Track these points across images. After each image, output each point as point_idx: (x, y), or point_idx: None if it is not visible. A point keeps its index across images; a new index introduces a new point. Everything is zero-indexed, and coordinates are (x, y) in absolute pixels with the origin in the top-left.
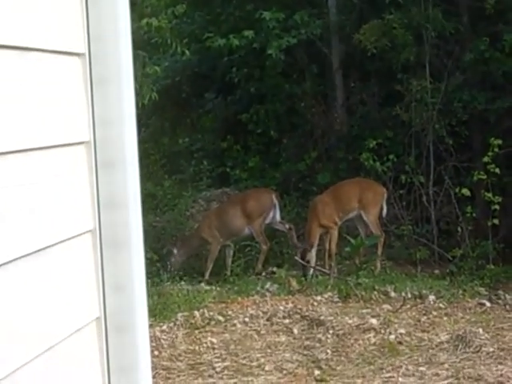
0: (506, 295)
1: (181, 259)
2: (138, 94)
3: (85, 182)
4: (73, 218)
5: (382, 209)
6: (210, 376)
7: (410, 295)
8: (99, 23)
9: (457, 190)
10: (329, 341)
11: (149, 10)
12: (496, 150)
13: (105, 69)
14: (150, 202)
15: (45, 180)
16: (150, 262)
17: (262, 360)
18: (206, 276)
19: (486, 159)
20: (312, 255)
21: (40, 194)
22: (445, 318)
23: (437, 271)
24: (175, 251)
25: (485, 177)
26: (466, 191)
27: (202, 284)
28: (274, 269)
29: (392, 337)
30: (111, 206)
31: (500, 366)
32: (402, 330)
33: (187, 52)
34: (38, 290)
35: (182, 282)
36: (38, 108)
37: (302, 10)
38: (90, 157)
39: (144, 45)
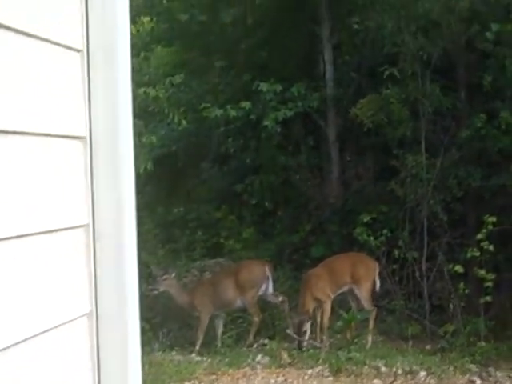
0: (497, 372)
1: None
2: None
3: (82, 265)
4: (72, 302)
5: (374, 283)
6: None
7: (400, 371)
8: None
9: (450, 266)
10: None
11: (147, 79)
12: (490, 227)
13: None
14: (144, 271)
15: (43, 264)
16: (141, 331)
17: None
18: (197, 346)
19: (479, 236)
20: (308, 326)
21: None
22: None
23: (428, 347)
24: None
25: (478, 254)
26: (459, 268)
27: (193, 355)
28: (266, 341)
29: None
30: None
31: None
32: None
33: (184, 122)
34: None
35: (173, 352)
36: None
37: (299, 82)
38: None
39: (141, 113)
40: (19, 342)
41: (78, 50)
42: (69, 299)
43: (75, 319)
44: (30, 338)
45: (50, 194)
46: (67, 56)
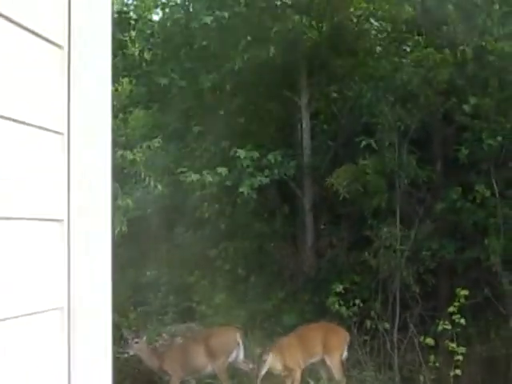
0: None
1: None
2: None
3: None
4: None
5: (343, 353)
6: None
7: None
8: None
9: (421, 338)
10: None
11: (124, 141)
12: (462, 300)
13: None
14: (115, 333)
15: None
16: None
17: None
18: None
19: (451, 309)
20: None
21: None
22: None
23: None
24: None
25: (449, 327)
26: (429, 341)
27: None
28: None
29: None
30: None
31: None
32: None
33: (159, 186)
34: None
35: None
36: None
37: (276, 149)
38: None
39: (116, 176)
40: None
41: (60, 46)
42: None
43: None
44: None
45: (27, 277)
46: (48, 50)
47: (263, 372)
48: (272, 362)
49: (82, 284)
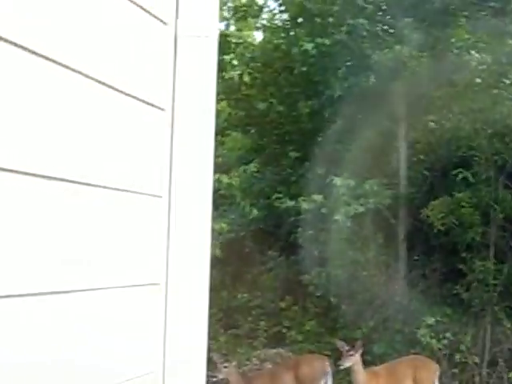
0: None
1: None
2: None
3: (154, 322)
4: (139, 356)
5: None
6: None
7: None
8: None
9: (510, 374)
10: None
11: (219, 161)
12: None
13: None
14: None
15: (118, 318)
16: None
17: None
18: None
19: None
20: None
21: (111, 330)
22: None
23: None
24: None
25: None
26: None
27: None
28: None
29: None
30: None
31: None
32: None
33: (255, 210)
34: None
35: None
36: (116, 248)
37: (372, 178)
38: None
39: (212, 197)
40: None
41: (162, 109)
42: None
43: None
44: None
45: (128, 251)
46: (152, 113)
47: (346, 364)
48: (356, 364)
49: (180, 261)
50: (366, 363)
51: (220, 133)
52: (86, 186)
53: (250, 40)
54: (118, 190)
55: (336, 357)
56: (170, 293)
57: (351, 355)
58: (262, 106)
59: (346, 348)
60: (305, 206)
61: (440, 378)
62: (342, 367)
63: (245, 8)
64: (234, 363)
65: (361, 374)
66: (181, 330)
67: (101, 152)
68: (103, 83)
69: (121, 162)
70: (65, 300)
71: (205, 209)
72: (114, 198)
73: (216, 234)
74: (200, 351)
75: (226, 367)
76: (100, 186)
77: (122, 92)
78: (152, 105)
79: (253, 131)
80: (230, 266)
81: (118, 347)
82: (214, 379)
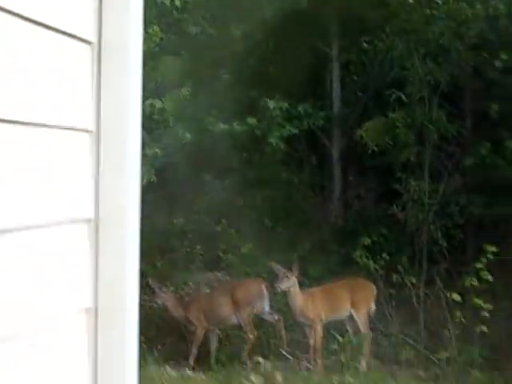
0: None
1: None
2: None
3: (85, 260)
4: (71, 295)
5: (370, 307)
6: None
7: None
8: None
9: (448, 294)
10: None
11: (153, 88)
12: (490, 256)
13: (112, 146)
14: (141, 281)
15: (45, 257)
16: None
17: None
18: (191, 362)
19: (479, 265)
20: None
21: (41, 270)
22: None
23: (421, 373)
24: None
25: (476, 283)
26: (456, 297)
27: (187, 370)
28: (260, 359)
29: None
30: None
31: None
32: None
33: (188, 135)
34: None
35: (167, 367)
36: (42, 183)
37: (305, 100)
38: (91, 234)
39: (145, 122)
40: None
41: (90, 42)
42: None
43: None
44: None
45: (55, 186)
46: (78, 48)
47: (282, 287)
48: (292, 286)
49: (110, 195)
50: (302, 286)
51: (152, 57)
52: (8, 124)
53: None
54: (44, 125)
55: (273, 280)
56: (102, 228)
57: (287, 277)
58: (193, 29)
59: (283, 271)
60: (238, 128)
61: (377, 299)
62: (278, 290)
63: None
64: (171, 288)
65: (297, 296)
66: (112, 264)
67: (23, 87)
68: (26, 18)
69: (45, 96)
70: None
71: (134, 139)
72: (41, 134)
73: (150, 159)
74: (132, 284)
75: (163, 292)
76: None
77: (46, 26)
78: (78, 38)
79: (185, 55)
80: (165, 190)
81: (50, 284)
82: (153, 304)
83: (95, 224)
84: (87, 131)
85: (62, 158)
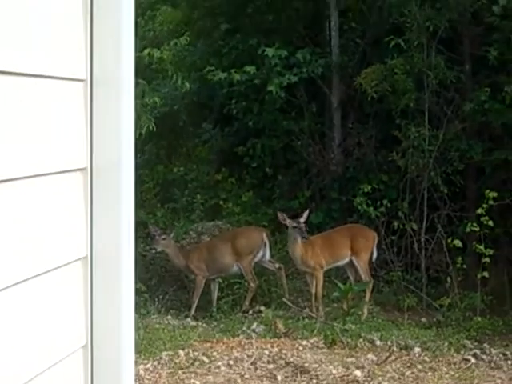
0: (492, 349)
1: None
2: (136, 122)
3: (80, 210)
4: (66, 244)
5: (372, 254)
6: None
7: (395, 345)
8: (103, 48)
9: (449, 240)
10: None
11: (150, 36)
12: (490, 202)
13: (105, 95)
14: (141, 231)
15: (40, 207)
16: (137, 293)
17: None
18: (192, 311)
19: (479, 211)
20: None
21: (34, 220)
22: (429, 373)
23: (424, 319)
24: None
25: (477, 229)
26: (457, 243)
27: (189, 319)
28: (262, 308)
29: None
30: (104, 233)
31: None
32: None
33: (187, 84)
34: (28, 315)
35: (169, 316)
36: (36, 132)
37: (304, 48)
38: (86, 183)
39: (143, 72)
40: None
41: (81, 80)
42: (65, 332)
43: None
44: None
45: (49, 136)
46: (70, 86)
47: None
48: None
49: (104, 145)
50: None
51: (150, 7)
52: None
53: None
54: (38, 76)
55: (274, 228)
56: (96, 177)
57: (163, 239)
58: None
59: (288, 220)
60: (237, 77)
61: (378, 246)
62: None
63: None
64: (171, 235)
65: (298, 244)
66: (107, 213)
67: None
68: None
69: (36, 44)
70: None
71: (128, 88)
72: (36, 84)
73: (150, 108)
74: (128, 233)
75: (164, 239)
76: (14, 74)
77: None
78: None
79: (183, 4)
80: (164, 139)
81: (45, 234)
82: (153, 251)
83: (89, 173)
84: (80, 80)
85: (56, 107)
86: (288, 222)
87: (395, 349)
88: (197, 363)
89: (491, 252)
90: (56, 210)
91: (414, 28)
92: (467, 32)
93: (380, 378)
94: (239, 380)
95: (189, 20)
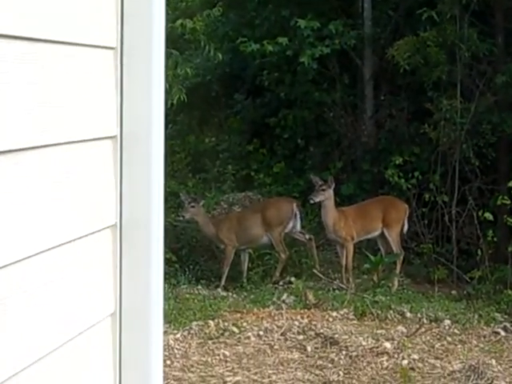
0: None
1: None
2: (168, 92)
3: (110, 178)
4: (96, 211)
5: (403, 226)
6: None
7: (425, 318)
8: (134, 16)
9: (480, 213)
10: (341, 362)
11: (183, 6)
12: None
13: (136, 63)
14: (173, 201)
15: (70, 175)
16: (167, 263)
17: (274, 377)
18: (223, 282)
19: (511, 184)
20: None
21: (67, 187)
22: (459, 346)
23: (454, 292)
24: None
25: (508, 202)
26: (488, 215)
27: (219, 289)
28: (292, 279)
29: (405, 362)
30: (134, 201)
31: None
32: (416, 356)
33: (219, 55)
34: (57, 282)
35: (199, 286)
36: (68, 100)
37: (337, 19)
38: (115, 152)
39: (176, 42)
40: None
41: (112, 48)
42: (94, 300)
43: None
44: None
45: (79, 104)
46: (100, 54)
47: (316, 199)
48: (328, 199)
49: (134, 115)
50: (335, 205)
51: None
52: (37, 43)
53: None
54: (66, 43)
55: (304, 199)
56: (126, 145)
57: (323, 190)
58: None
59: (320, 183)
60: (270, 48)
61: (409, 218)
62: (312, 202)
63: None
64: (201, 203)
65: (331, 211)
66: (136, 181)
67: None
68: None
69: (67, 12)
70: (24, 157)
71: (158, 56)
72: (64, 52)
73: (182, 79)
74: (158, 201)
75: (193, 207)
76: (45, 41)
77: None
78: None
79: None
80: (196, 110)
81: (75, 202)
82: (181, 218)
83: (119, 141)
84: (111, 48)
85: (87, 75)
86: (318, 185)
87: (425, 321)
88: (227, 333)
89: None
90: (87, 177)
91: (447, 0)
92: (499, 4)
93: (410, 350)
94: (269, 351)
95: None
